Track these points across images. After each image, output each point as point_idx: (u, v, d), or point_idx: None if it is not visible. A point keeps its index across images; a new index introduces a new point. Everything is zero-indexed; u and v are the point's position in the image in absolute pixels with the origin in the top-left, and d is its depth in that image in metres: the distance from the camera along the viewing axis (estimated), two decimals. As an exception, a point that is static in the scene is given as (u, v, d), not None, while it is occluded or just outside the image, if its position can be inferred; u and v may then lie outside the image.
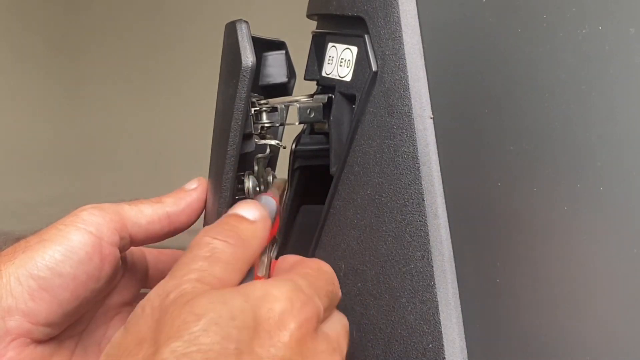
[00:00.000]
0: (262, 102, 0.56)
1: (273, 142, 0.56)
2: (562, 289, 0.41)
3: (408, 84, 0.49)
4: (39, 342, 0.56)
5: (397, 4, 0.49)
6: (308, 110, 0.57)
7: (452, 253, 0.47)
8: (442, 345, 0.46)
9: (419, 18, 0.49)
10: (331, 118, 0.55)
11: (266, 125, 0.55)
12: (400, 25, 0.49)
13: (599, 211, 0.40)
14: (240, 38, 0.52)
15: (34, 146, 3.24)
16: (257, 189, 0.56)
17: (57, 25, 3.27)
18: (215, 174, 0.56)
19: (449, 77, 0.48)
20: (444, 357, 0.45)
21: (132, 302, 0.61)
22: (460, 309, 0.46)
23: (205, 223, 0.59)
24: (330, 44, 0.56)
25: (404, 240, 0.48)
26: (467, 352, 0.45)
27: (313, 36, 0.59)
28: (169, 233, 0.59)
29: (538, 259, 0.42)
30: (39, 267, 0.55)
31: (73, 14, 3.28)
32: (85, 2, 3.29)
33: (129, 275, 0.60)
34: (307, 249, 0.55)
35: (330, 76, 0.56)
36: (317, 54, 0.58)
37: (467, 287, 0.46)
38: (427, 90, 0.48)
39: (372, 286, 0.49)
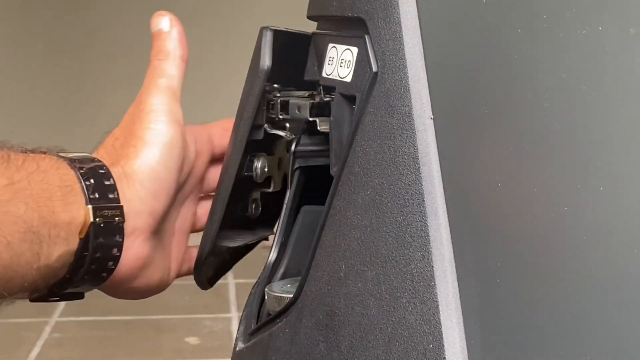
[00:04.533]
0: (278, 95, 0.62)
1: (282, 133, 0.62)
2: (563, 289, 0.41)
3: (408, 84, 0.49)
4: (154, 233, 0.64)
5: (398, 4, 0.49)
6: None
7: (452, 253, 0.47)
8: (443, 345, 0.46)
9: (419, 19, 0.49)
10: (331, 118, 0.55)
11: (280, 117, 0.61)
12: (400, 26, 0.49)
13: (599, 211, 0.40)
14: (262, 43, 0.59)
15: (34, 146, 3.24)
16: (265, 168, 0.65)
17: (57, 25, 3.27)
18: (230, 151, 0.64)
19: (449, 77, 0.48)
20: (445, 358, 0.45)
21: (200, 182, 0.69)
22: (460, 309, 0.46)
23: (218, 187, 0.65)
24: (330, 45, 0.56)
25: (405, 241, 0.48)
26: (468, 353, 0.45)
27: (313, 37, 0.59)
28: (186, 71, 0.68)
29: (538, 260, 0.42)
30: (156, 169, 0.63)
31: (73, 14, 3.28)
32: (85, 2, 3.29)
33: (199, 157, 0.68)
34: (307, 250, 0.55)
35: (330, 77, 0.56)
36: (318, 54, 0.58)
37: (467, 288, 0.46)
38: (428, 91, 0.48)
39: (373, 286, 0.49)
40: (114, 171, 0.62)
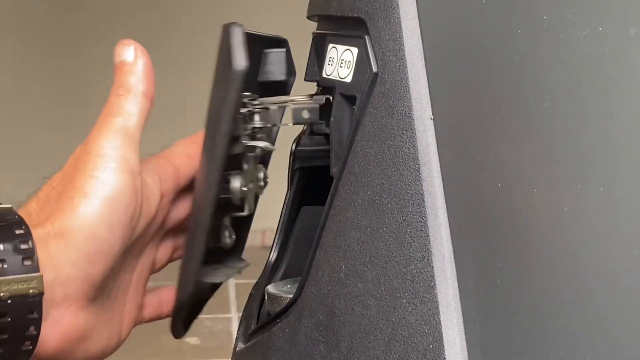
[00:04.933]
0: (255, 102, 0.55)
1: (261, 144, 0.56)
2: (563, 289, 0.41)
3: (408, 85, 0.49)
4: (92, 299, 0.54)
5: (398, 5, 0.50)
6: (303, 112, 0.56)
7: (452, 254, 0.47)
8: (443, 346, 0.46)
9: (419, 19, 0.49)
10: (332, 119, 0.55)
11: (257, 126, 0.55)
12: (400, 27, 0.49)
13: (600, 212, 0.40)
14: (233, 41, 0.52)
15: (34, 146, 3.24)
16: (244, 188, 0.56)
17: (57, 25, 3.27)
18: (203, 174, 0.56)
19: (449, 78, 0.48)
20: (445, 358, 0.45)
21: (163, 223, 0.59)
22: (460, 309, 0.46)
23: (193, 219, 0.58)
24: (330, 45, 0.56)
25: (405, 241, 0.48)
26: (468, 353, 0.45)
27: (313, 37, 0.59)
28: (150, 111, 0.58)
29: (538, 260, 0.42)
30: (94, 227, 0.53)
31: (73, 15, 3.28)
32: (85, 2, 3.29)
33: (164, 196, 0.58)
34: (307, 250, 0.55)
35: (330, 77, 0.56)
36: (318, 55, 0.58)
37: (467, 288, 0.46)
38: (428, 91, 0.48)
39: (373, 287, 0.49)
40: (39, 232, 0.52)
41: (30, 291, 0.50)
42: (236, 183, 0.55)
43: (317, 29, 0.59)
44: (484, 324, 0.45)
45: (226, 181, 0.55)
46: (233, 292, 3.02)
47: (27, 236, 0.51)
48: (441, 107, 0.48)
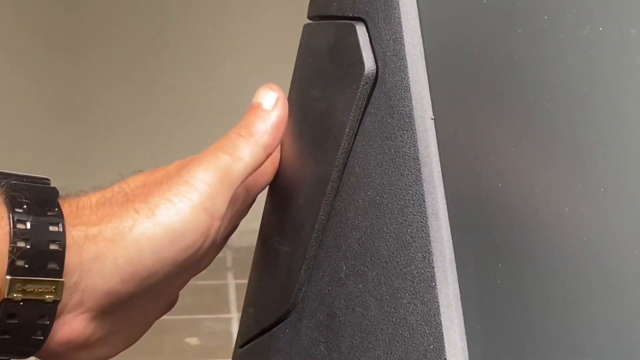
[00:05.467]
0: None
1: None
2: (563, 290, 0.41)
3: (409, 85, 0.49)
4: (105, 314, 0.50)
5: (398, 5, 0.49)
6: None
7: (453, 254, 0.47)
8: (444, 346, 0.46)
9: (420, 19, 0.49)
10: None
11: None
12: (401, 27, 0.49)
13: (600, 212, 0.40)
14: (361, 41, 0.50)
15: (34, 146, 3.24)
16: None
17: (57, 25, 3.27)
18: (304, 177, 0.54)
19: (450, 78, 0.48)
20: (445, 358, 0.45)
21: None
22: (461, 310, 0.46)
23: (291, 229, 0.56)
24: (331, 45, 0.56)
25: (405, 242, 0.48)
26: (469, 354, 0.45)
27: (314, 37, 0.59)
28: (262, 164, 0.53)
29: (539, 260, 0.42)
30: (143, 254, 0.48)
31: (73, 15, 3.28)
32: (86, 2, 3.29)
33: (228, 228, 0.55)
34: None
35: (331, 77, 0.56)
36: (318, 55, 0.58)
37: (468, 288, 0.46)
38: (428, 91, 0.48)
39: (373, 287, 0.49)
40: (79, 231, 0.47)
41: (47, 297, 0.46)
42: None
43: (317, 29, 0.59)
44: (485, 324, 0.45)
45: None
46: (233, 292, 3.02)
47: (61, 235, 0.46)
48: (442, 107, 0.48)
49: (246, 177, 0.52)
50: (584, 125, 0.41)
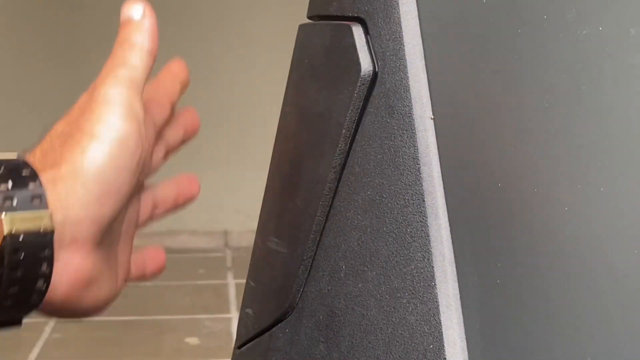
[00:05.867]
0: None
1: None
2: (563, 289, 0.41)
3: (408, 84, 0.49)
4: (98, 244, 0.55)
5: (398, 4, 0.50)
6: None
7: (452, 254, 0.47)
8: (443, 345, 0.46)
9: (419, 19, 0.49)
10: None
11: None
12: (400, 26, 0.49)
13: (600, 212, 0.40)
14: (357, 42, 0.51)
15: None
16: None
17: (58, 26, 3.27)
18: (300, 176, 0.55)
19: (450, 78, 0.48)
20: (445, 358, 0.45)
21: (147, 173, 0.60)
22: (461, 309, 0.46)
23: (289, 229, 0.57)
24: (330, 45, 0.56)
25: (405, 241, 0.48)
26: (468, 353, 0.45)
27: (313, 37, 0.59)
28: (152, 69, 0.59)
29: (539, 260, 0.42)
30: (103, 169, 0.53)
31: (74, 15, 3.28)
32: (86, 2, 3.29)
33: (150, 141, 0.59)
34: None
35: (330, 77, 0.56)
36: (318, 54, 0.58)
37: (468, 288, 0.46)
38: (428, 91, 0.48)
39: (373, 287, 0.49)
40: (47, 174, 0.52)
41: (42, 229, 0.51)
42: None
43: (317, 29, 0.59)
44: (484, 323, 0.45)
45: None
46: (233, 292, 3.03)
47: (34, 177, 0.51)
48: (441, 107, 0.48)
49: (145, 81, 0.57)
50: (583, 125, 0.41)
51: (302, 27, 0.58)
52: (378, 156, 0.50)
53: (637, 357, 0.39)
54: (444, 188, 0.47)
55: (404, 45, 0.49)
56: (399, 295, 0.48)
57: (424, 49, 0.49)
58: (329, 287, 0.53)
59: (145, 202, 0.61)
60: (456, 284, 0.46)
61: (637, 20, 0.39)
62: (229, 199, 3.65)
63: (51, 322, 2.72)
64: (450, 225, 0.47)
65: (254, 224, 0.63)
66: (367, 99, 0.51)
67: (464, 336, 0.46)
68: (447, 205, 0.47)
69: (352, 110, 0.51)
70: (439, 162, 0.48)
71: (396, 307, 0.48)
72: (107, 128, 0.54)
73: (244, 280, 0.63)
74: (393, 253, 0.48)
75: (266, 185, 0.62)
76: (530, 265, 0.43)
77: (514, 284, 0.44)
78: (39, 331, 2.65)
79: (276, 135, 0.62)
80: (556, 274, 0.42)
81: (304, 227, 0.55)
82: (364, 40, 0.51)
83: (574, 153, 0.41)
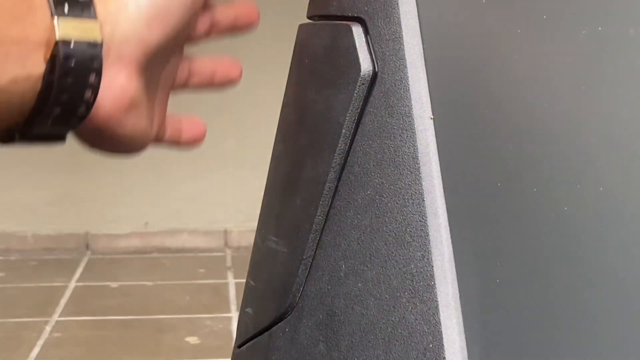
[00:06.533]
0: None
1: None
2: (562, 289, 0.41)
3: (408, 84, 0.49)
4: (142, 70, 0.55)
5: (398, 4, 0.50)
6: None
7: (452, 253, 0.47)
8: (443, 345, 0.46)
9: (419, 19, 0.49)
10: None
11: None
12: (400, 26, 0.49)
13: (599, 211, 0.40)
14: (357, 42, 0.52)
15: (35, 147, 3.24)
16: None
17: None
18: (305, 180, 0.55)
19: (449, 77, 0.48)
20: (444, 357, 0.45)
21: (192, 33, 0.60)
22: (460, 309, 0.46)
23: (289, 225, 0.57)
24: (330, 45, 0.56)
25: (404, 241, 0.48)
26: (467, 352, 0.45)
27: (313, 37, 0.59)
28: None
29: (538, 260, 0.42)
30: None
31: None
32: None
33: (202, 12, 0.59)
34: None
35: (330, 77, 0.56)
36: (318, 54, 0.58)
37: (467, 287, 0.46)
38: (427, 91, 0.48)
39: (373, 286, 0.49)
40: None
41: (91, 39, 0.51)
42: None
43: (317, 29, 0.59)
44: (484, 323, 0.45)
45: None
46: (233, 291, 3.03)
47: None
48: (441, 107, 0.48)
49: None
50: (583, 125, 0.41)
51: (302, 27, 0.58)
52: (378, 156, 0.50)
53: (637, 357, 0.39)
54: (444, 188, 0.47)
55: (403, 45, 0.49)
56: (398, 294, 0.48)
57: (423, 48, 0.49)
58: (329, 287, 0.53)
59: (182, 68, 0.61)
60: (456, 284, 0.46)
61: (637, 20, 0.39)
62: (229, 198, 3.65)
63: (51, 322, 2.72)
64: (449, 224, 0.47)
65: (254, 224, 0.63)
66: (367, 98, 0.51)
67: (463, 335, 0.46)
68: (446, 205, 0.47)
69: (351, 110, 0.52)
70: (438, 162, 0.48)
71: (396, 306, 0.48)
72: None
73: (244, 280, 0.63)
74: (393, 252, 0.49)
75: (266, 184, 0.62)
76: (529, 265, 0.43)
77: (514, 284, 0.44)
78: (39, 331, 2.65)
79: (276, 135, 0.62)
80: (555, 273, 0.42)
81: (303, 226, 0.55)
82: (364, 40, 0.52)
83: (574, 153, 0.41)
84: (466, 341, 0.46)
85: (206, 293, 3.02)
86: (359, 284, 0.50)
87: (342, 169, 0.53)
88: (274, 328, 0.57)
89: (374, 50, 0.51)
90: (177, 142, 0.62)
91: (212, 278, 3.20)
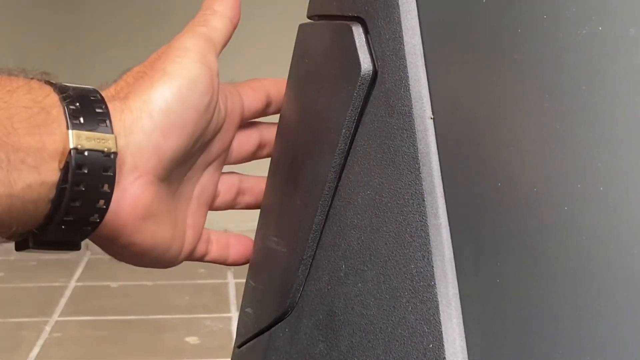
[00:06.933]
0: None
1: None
2: (562, 289, 0.41)
3: (408, 84, 0.49)
4: (159, 180, 0.56)
5: (398, 4, 0.50)
6: None
7: (452, 253, 0.47)
8: (443, 345, 0.46)
9: (419, 18, 0.49)
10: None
11: None
12: (400, 26, 0.49)
13: (599, 211, 0.40)
14: (357, 42, 0.52)
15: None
16: None
17: (58, 25, 3.27)
18: (299, 177, 0.56)
19: (450, 77, 0.48)
20: (445, 357, 0.45)
21: (227, 149, 0.62)
22: (460, 309, 0.46)
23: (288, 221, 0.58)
24: (330, 45, 0.56)
25: (405, 241, 0.48)
26: (468, 353, 0.45)
27: (313, 36, 0.59)
28: (231, 36, 0.62)
29: (538, 260, 0.42)
30: (170, 102, 0.55)
31: (75, 15, 3.28)
32: (87, 3, 3.29)
33: (229, 117, 0.61)
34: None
35: (330, 76, 0.56)
36: (318, 54, 0.58)
37: (467, 287, 0.46)
38: (428, 91, 0.48)
39: (373, 286, 0.49)
40: (115, 103, 0.55)
41: (105, 149, 0.53)
42: None
43: (317, 29, 0.59)
44: (484, 323, 0.45)
45: None
46: (233, 291, 3.02)
47: (101, 102, 0.54)
48: (441, 107, 0.48)
49: (223, 44, 0.60)
50: (583, 125, 0.41)
51: (302, 27, 0.58)
52: (378, 156, 0.50)
53: (637, 357, 0.39)
54: (444, 188, 0.47)
55: (403, 45, 0.49)
56: (398, 294, 0.48)
57: (423, 48, 0.49)
58: (329, 287, 0.53)
59: (229, 185, 0.63)
60: (456, 284, 0.46)
61: (637, 20, 0.39)
62: (229, 198, 3.65)
63: (51, 322, 2.72)
64: (449, 224, 0.47)
65: (254, 224, 0.63)
66: (367, 98, 0.51)
67: (463, 335, 0.46)
68: (446, 204, 0.47)
69: (351, 110, 0.51)
70: (438, 162, 0.48)
71: (396, 306, 0.48)
72: (178, 66, 0.56)
73: (244, 280, 0.63)
74: (393, 252, 0.49)
75: (266, 184, 0.62)
76: (530, 265, 0.43)
77: (514, 284, 0.44)
78: (39, 330, 2.65)
79: (276, 135, 0.62)
80: (556, 273, 0.42)
81: (303, 226, 0.55)
82: (364, 40, 0.51)
83: (574, 153, 0.41)
84: (466, 341, 0.46)
85: (206, 293, 3.02)
86: (359, 284, 0.50)
87: (342, 169, 0.53)
88: (274, 328, 0.57)
89: (374, 50, 0.51)
90: (225, 260, 0.63)
91: (212, 278, 3.20)
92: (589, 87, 0.40)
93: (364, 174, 0.51)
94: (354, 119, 0.52)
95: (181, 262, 0.60)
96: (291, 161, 0.58)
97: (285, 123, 0.60)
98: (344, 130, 0.52)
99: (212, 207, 0.63)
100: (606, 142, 0.40)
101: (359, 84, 0.51)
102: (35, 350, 2.53)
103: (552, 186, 0.42)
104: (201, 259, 0.62)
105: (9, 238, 0.53)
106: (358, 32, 0.52)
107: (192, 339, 2.61)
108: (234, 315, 2.79)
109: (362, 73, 0.51)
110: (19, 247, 0.54)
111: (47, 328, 2.69)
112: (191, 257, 0.61)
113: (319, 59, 0.56)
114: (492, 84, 0.45)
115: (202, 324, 2.73)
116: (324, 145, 0.54)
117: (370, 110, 0.51)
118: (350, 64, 0.52)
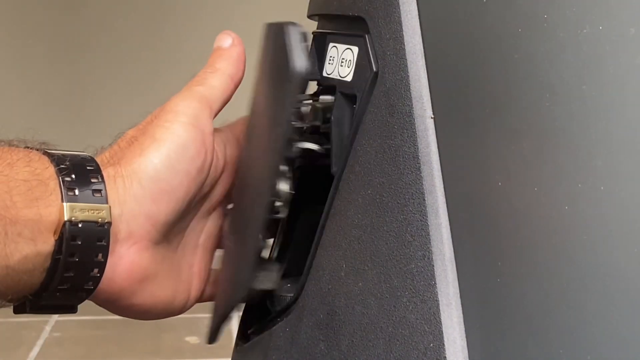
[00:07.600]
0: (307, 102, 0.56)
1: (314, 146, 0.55)
2: (563, 289, 0.41)
3: (409, 84, 0.49)
4: (155, 243, 0.57)
5: (398, 4, 0.50)
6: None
7: (453, 253, 0.47)
8: (443, 344, 0.46)
9: (419, 18, 0.49)
10: (332, 118, 0.55)
11: (307, 125, 0.56)
12: (401, 25, 0.49)
13: (600, 211, 0.40)
14: (292, 42, 0.53)
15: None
16: (291, 191, 0.56)
17: (58, 25, 3.27)
18: (253, 174, 0.57)
19: (450, 77, 0.48)
20: (445, 357, 0.45)
21: (230, 192, 0.62)
22: (461, 308, 0.46)
23: (242, 221, 0.59)
24: (331, 44, 0.56)
25: (405, 240, 0.48)
26: (468, 352, 0.45)
27: (314, 36, 0.59)
28: (233, 93, 0.62)
29: (539, 259, 0.42)
30: (158, 169, 0.56)
31: (74, 15, 3.28)
32: (86, 1, 3.29)
33: (229, 163, 0.61)
34: (308, 249, 0.55)
35: (331, 76, 0.56)
36: (318, 54, 0.58)
37: (468, 287, 0.46)
38: (428, 91, 0.48)
39: (373, 286, 0.49)
40: (108, 170, 0.56)
41: (99, 219, 0.54)
42: (284, 186, 0.56)
43: (317, 28, 0.60)
44: (485, 322, 0.45)
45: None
46: (233, 291, 3.02)
47: (96, 172, 0.55)
48: (442, 106, 0.48)
49: (222, 102, 0.60)
50: (583, 124, 0.41)
51: (264, 26, 0.59)
52: (378, 155, 0.50)
53: (637, 357, 0.39)
54: (444, 187, 0.47)
55: (404, 45, 0.49)
56: (399, 294, 0.48)
57: (424, 48, 0.49)
58: (329, 286, 0.53)
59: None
60: (456, 283, 0.46)
61: (637, 20, 0.39)
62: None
63: (51, 321, 2.72)
64: (450, 224, 0.47)
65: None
66: (367, 98, 0.51)
67: (464, 335, 0.46)
68: (447, 204, 0.47)
69: (287, 107, 0.53)
70: (439, 161, 0.48)
71: (396, 305, 0.48)
72: (166, 132, 0.57)
73: (244, 280, 0.63)
74: (393, 252, 0.49)
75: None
76: (530, 264, 0.43)
77: (514, 283, 0.44)
78: (39, 330, 2.65)
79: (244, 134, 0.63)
80: (556, 273, 0.42)
81: (252, 223, 0.56)
82: (299, 39, 0.53)
83: (574, 152, 0.41)
84: (467, 340, 0.46)
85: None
86: (360, 284, 0.50)
87: (342, 168, 0.53)
88: (274, 327, 0.57)
89: (374, 49, 0.51)
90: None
91: (212, 278, 3.19)
92: (589, 86, 0.40)
93: (365, 173, 0.51)
94: (290, 120, 0.53)
95: (190, 307, 0.62)
96: (247, 159, 0.60)
97: (247, 123, 0.62)
98: (286, 127, 0.53)
99: (219, 246, 0.63)
100: (606, 142, 0.40)
101: (294, 83, 0.52)
102: (35, 350, 2.53)
103: (552, 186, 0.42)
104: (210, 299, 0.63)
105: (6, 303, 0.55)
106: (294, 31, 0.53)
107: (192, 339, 2.61)
108: (234, 314, 2.79)
109: (296, 72, 0.52)
110: (17, 311, 0.56)
111: (47, 328, 2.69)
112: (200, 300, 0.63)
113: (269, 58, 0.57)
114: (492, 84, 0.45)
115: (202, 323, 2.73)
116: (273, 140, 0.55)
117: (371, 109, 0.51)
118: (286, 64, 0.53)
